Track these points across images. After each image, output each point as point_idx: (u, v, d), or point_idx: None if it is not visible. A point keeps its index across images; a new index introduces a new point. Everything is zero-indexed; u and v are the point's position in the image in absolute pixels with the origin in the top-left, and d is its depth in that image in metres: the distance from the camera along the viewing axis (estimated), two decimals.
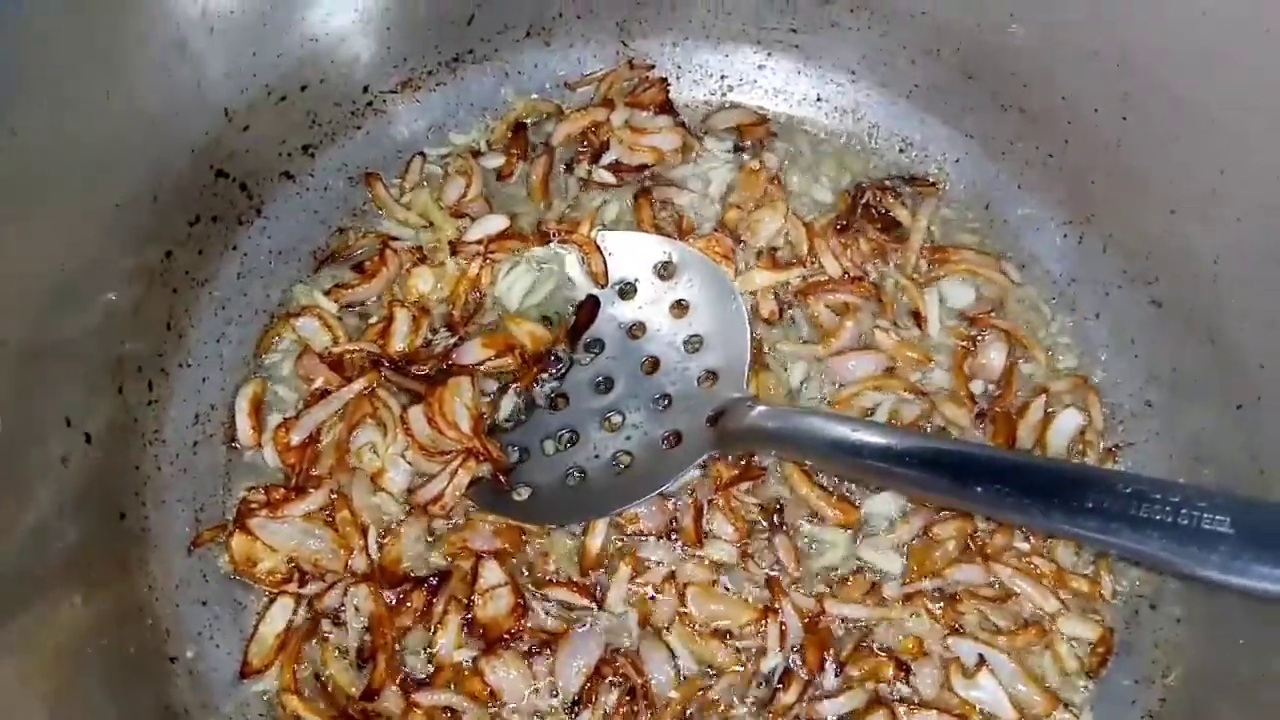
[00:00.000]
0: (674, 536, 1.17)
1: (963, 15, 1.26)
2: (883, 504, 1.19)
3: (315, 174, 1.28)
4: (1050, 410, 1.24)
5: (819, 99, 1.42)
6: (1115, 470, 1.21)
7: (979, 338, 1.28)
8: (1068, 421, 1.23)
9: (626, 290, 1.28)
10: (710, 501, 1.18)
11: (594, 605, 1.13)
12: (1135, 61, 1.14)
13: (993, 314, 1.30)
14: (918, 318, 1.29)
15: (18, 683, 0.88)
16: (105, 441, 1.02)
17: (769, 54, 1.42)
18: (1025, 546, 1.18)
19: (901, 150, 1.41)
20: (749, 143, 1.39)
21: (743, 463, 1.19)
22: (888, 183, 1.37)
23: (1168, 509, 0.81)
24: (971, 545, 1.17)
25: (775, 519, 1.18)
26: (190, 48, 1.03)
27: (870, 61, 1.38)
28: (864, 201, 1.34)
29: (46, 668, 0.92)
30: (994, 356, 1.27)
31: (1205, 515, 0.80)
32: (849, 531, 1.18)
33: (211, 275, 1.19)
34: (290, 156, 1.25)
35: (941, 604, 1.15)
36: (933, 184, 1.38)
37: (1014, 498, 0.90)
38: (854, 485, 1.20)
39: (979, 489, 0.92)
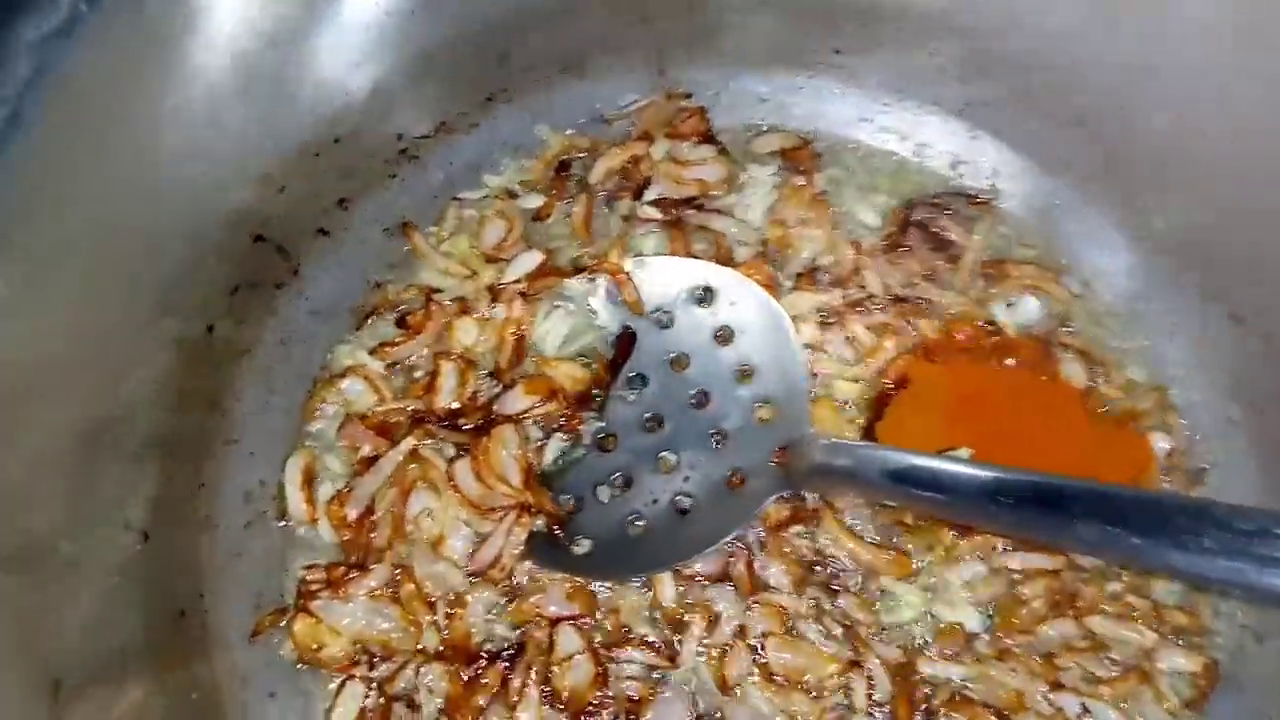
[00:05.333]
0: (729, 583, 1.11)
1: (1011, 29, 1.21)
2: (957, 573, 1.13)
3: (350, 228, 1.22)
4: None
5: (864, 119, 1.37)
6: (1234, 505, 1.13)
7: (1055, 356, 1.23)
8: (1156, 447, 1.18)
9: (664, 320, 1.22)
10: (762, 545, 1.12)
11: (670, 663, 1.08)
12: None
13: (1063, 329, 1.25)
14: None
15: None
16: (161, 536, 0.96)
17: (811, 75, 1.36)
18: (1117, 587, 1.13)
19: (954, 167, 1.36)
20: (795, 167, 1.34)
21: (789, 504, 1.13)
22: (939, 200, 1.31)
23: None
24: (1060, 599, 1.12)
25: (830, 581, 1.12)
26: (225, 115, 0.97)
27: (918, 80, 1.32)
28: (916, 219, 1.29)
29: None
30: (1073, 376, 1.21)
31: None
32: (916, 585, 1.12)
33: (252, 344, 1.13)
34: (325, 212, 1.19)
35: (1036, 658, 1.09)
36: (987, 201, 1.33)
37: (1124, 538, 0.84)
38: (900, 533, 1.14)
39: (1083, 527, 0.86)
